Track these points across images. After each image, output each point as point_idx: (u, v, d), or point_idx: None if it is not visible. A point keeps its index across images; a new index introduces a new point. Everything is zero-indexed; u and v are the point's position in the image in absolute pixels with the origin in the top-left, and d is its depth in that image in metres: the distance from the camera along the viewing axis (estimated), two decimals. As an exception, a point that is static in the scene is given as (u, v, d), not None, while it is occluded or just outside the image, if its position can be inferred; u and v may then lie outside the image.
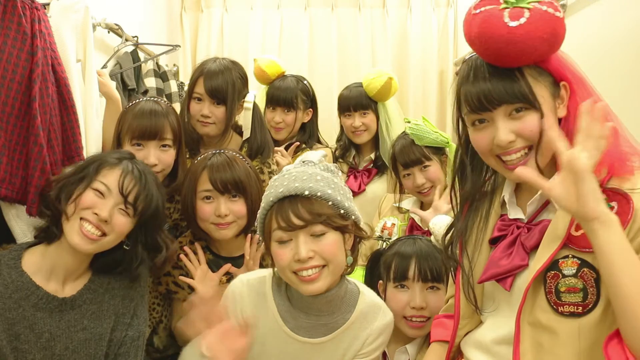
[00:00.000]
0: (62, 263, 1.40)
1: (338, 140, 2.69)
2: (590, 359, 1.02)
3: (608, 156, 1.04)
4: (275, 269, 1.35)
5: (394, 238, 2.10)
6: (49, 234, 1.40)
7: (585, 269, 1.03)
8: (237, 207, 1.65)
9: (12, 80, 1.46)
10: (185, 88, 2.65)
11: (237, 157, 1.71)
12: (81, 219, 1.36)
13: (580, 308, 1.03)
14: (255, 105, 2.11)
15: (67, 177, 1.41)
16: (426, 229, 2.02)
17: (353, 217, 1.31)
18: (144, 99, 1.84)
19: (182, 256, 1.68)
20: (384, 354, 1.64)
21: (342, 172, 2.53)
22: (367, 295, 1.41)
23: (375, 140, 2.55)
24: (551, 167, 1.11)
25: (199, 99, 1.98)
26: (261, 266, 1.68)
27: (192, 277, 1.67)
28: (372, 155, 2.55)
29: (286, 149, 2.38)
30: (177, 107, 2.56)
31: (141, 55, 2.92)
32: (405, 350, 1.64)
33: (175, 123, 1.77)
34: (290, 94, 2.43)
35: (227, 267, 1.69)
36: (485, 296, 1.22)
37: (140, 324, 1.49)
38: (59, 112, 1.57)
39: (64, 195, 1.37)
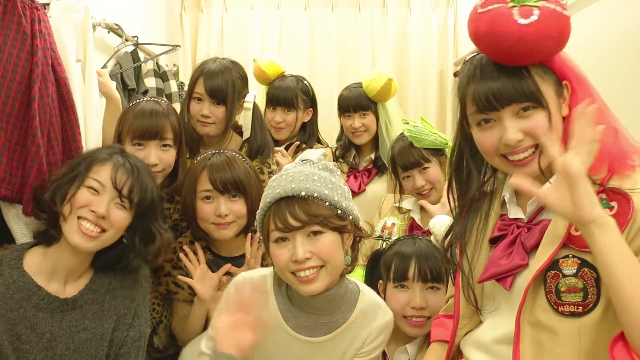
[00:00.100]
0: (63, 263, 1.40)
1: (338, 140, 2.69)
2: (591, 358, 1.02)
3: (608, 155, 1.04)
4: (275, 269, 1.35)
5: (394, 238, 2.10)
6: (48, 237, 1.40)
7: (585, 269, 1.03)
8: (237, 207, 1.65)
9: (12, 80, 1.46)
10: (185, 88, 2.65)
11: (236, 157, 1.71)
12: (79, 218, 1.36)
13: (581, 308, 1.03)
14: (255, 105, 2.11)
15: (59, 178, 1.41)
16: (426, 228, 2.02)
17: (351, 216, 1.31)
18: (145, 99, 1.84)
19: (181, 256, 1.68)
20: (384, 354, 1.64)
21: (342, 172, 2.53)
22: (367, 294, 1.41)
23: (376, 141, 2.54)
24: (545, 172, 1.11)
25: (199, 99, 1.98)
26: (262, 265, 1.68)
27: (191, 277, 1.67)
28: (372, 156, 2.55)
29: (286, 148, 2.38)
30: (177, 107, 2.56)
31: (141, 55, 2.92)
32: (405, 350, 1.64)
33: (175, 123, 1.77)
34: (291, 94, 2.43)
35: (227, 267, 1.69)
36: (485, 296, 1.22)
37: (141, 325, 1.49)
38: (59, 112, 1.57)
39: (59, 196, 1.37)
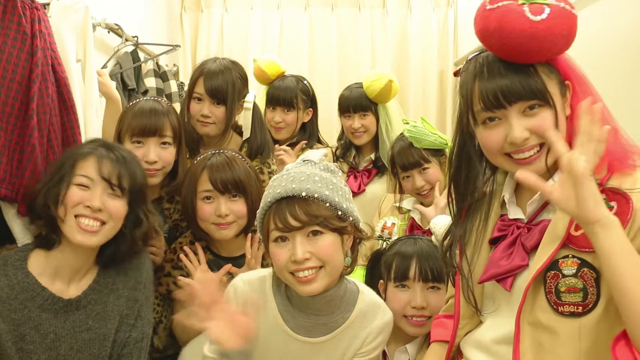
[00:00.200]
0: (67, 264, 1.40)
1: (339, 139, 2.69)
2: (591, 358, 1.02)
3: (608, 154, 1.04)
4: (275, 269, 1.35)
5: (394, 238, 2.10)
6: (49, 241, 1.40)
7: (585, 269, 1.03)
8: (237, 207, 1.65)
9: (12, 80, 1.46)
10: (185, 88, 2.65)
11: (236, 157, 1.71)
12: (76, 216, 1.35)
13: (581, 308, 1.02)
14: (255, 106, 2.11)
15: (46, 182, 1.40)
16: (427, 227, 2.02)
17: (351, 218, 1.31)
18: (144, 98, 1.84)
19: (181, 256, 1.68)
20: (384, 354, 1.65)
21: (343, 171, 2.53)
22: (367, 294, 1.41)
23: (376, 141, 2.54)
24: (551, 170, 1.11)
25: (199, 99, 1.98)
26: (262, 266, 1.68)
27: (192, 278, 1.67)
28: (372, 156, 2.56)
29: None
30: (177, 107, 2.56)
31: (141, 55, 2.92)
32: (405, 350, 1.64)
33: (175, 122, 1.77)
34: (290, 94, 2.43)
35: (228, 267, 1.69)
36: (485, 296, 1.22)
37: (144, 326, 1.49)
38: (59, 112, 1.57)
39: (51, 200, 1.37)
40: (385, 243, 2.09)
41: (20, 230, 1.50)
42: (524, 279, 1.09)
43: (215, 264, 1.72)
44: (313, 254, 1.25)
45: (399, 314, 1.60)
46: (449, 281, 1.41)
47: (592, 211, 0.96)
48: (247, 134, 2.10)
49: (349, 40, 3.92)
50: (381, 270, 1.71)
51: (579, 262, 1.03)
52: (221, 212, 1.63)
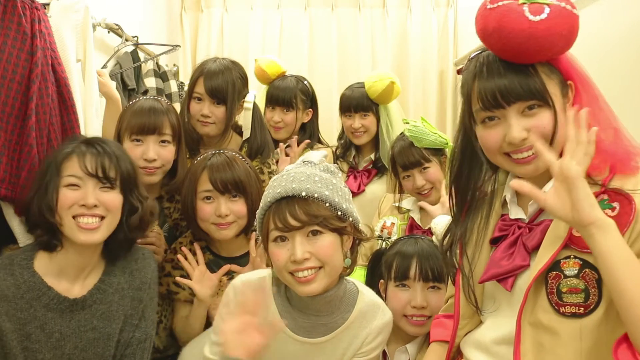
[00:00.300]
0: (71, 263, 1.40)
1: (339, 138, 2.69)
2: (592, 359, 1.02)
3: (611, 155, 1.04)
4: (274, 270, 1.35)
5: (393, 237, 2.10)
6: (50, 245, 1.39)
7: (587, 270, 1.02)
8: (237, 207, 1.65)
9: (12, 80, 1.45)
10: (185, 88, 2.65)
11: (237, 157, 1.71)
12: (74, 217, 1.35)
13: (582, 309, 1.02)
14: (255, 106, 2.11)
15: (36, 191, 1.39)
16: (427, 227, 2.02)
17: (351, 218, 1.31)
18: (144, 97, 1.84)
19: (179, 257, 1.68)
20: (384, 354, 1.65)
21: (342, 171, 2.53)
22: (366, 294, 1.41)
23: (376, 141, 2.54)
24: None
25: (199, 99, 1.98)
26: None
27: (190, 279, 1.67)
28: (372, 156, 2.56)
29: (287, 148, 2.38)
30: (177, 107, 2.56)
31: (141, 55, 2.92)
32: (405, 350, 1.64)
33: (174, 120, 1.77)
34: (290, 94, 2.43)
35: (227, 267, 1.69)
36: (486, 296, 1.22)
37: (147, 326, 1.49)
38: (59, 112, 1.57)
39: (45, 208, 1.36)
40: (384, 243, 2.09)
41: (20, 230, 1.50)
42: (525, 279, 1.09)
43: (215, 264, 1.72)
44: (313, 254, 1.25)
45: (399, 314, 1.60)
46: (449, 280, 1.41)
47: (587, 213, 0.96)
48: (247, 134, 2.10)
49: (349, 40, 3.92)
50: (382, 270, 1.71)
51: (581, 262, 1.03)
52: (221, 212, 1.63)
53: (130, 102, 1.82)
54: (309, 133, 2.51)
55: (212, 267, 1.70)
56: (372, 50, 3.91)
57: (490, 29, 1.07)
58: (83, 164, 1.37)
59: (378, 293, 1.62)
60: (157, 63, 3.07)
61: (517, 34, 1.04)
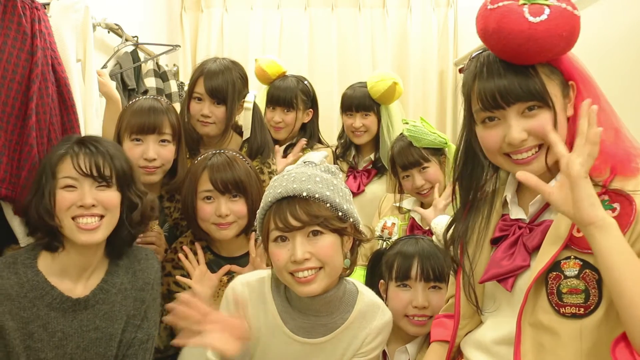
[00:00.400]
0: (74, 263, 1.40)
1: (339, 138, 2.69)
2: (592, 360, 1.02)
3: (611, 156, 1.04)
4: (274, 270, 1.35)
5: (394, 238, 2.11)
6: (52, 247, 1.39)
7: (587, 270, 1.02)
8: (237, 207, 1.65)
9: (12, 80, 1.45)
10: (186, 88, 2.64)
11: (237, 157, 1.71)
12: (73, 218, 1.35)
13: (582, 309, 1.02)
14: (255, 106, 2.11)
15: (33, 195, 1.39)
16: (427, 228, 2.02)
17: (352, 219, 1.31)
18: (144, 97, 1.84)
19: (180, 256, 1.68)
20: (384, 354, 1.65)
21: (342, 171, 2.53)
22: (366, 294, 1.41)
23: (376, 142, 2.55)
24: (557, 165, 1.11)
25: (199, 99, 1.98)
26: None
27: (191, 278, 1.67)
28: (372, 156, 2.56)
29: (288, 148, 2.38)
30: (177, 107, 2.56)
31: (141, 55, 2.92)
32: (405, 350, 1.64)
33: (174, 120, 1.77)
34: (290, 94, 2.43)
35: (227, 268, 1.69)
36: (486, 296, 1.22)
37: (150, 327, 1.49)
38: (59, 111, 1.57)
39: (44, 212, 1.36)
40: (385, 243, 2.09)
41: (21, 230, 1.50)
42: (525, 280, 1.09)
43: (215, 264, 1.72)
44: (313, 255, 1.25)
45: (400, 314, 1.60)
46: (449, 280, 1.41)
47: (587, 213, 0.96)
48: (247, 134, 2.10)
49: (349, 40, 3.92)
50: (382, 270, 1.71)
51: (581, 263, 1.03)
52: (221, 212, 1.63)
53: (130, 102, 1.82)
54: (309, 133, 2.51)
55: (213, 267, 1.70)
56: (372, 50, 3.91)
57: (490, 29, 1.07)
58: (77, 164, 1.37)
59: (378, 293, 1.62)
60: (157, 63, 3.07)
61: (517, 35, 1.04)
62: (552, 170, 1.10)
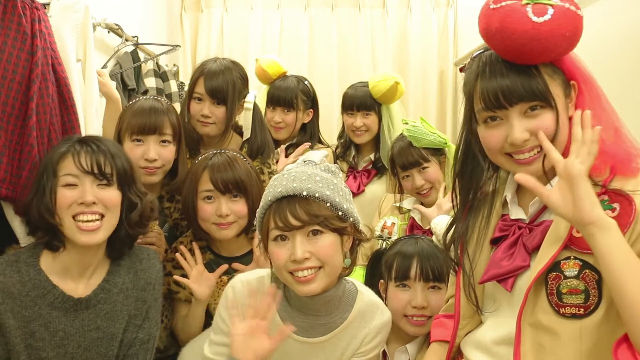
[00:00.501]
0: (75, 262, 1.41)
1: (339, 137, 2.69)
2: (592, 360, 1.02)
3: (611, 156, 1.04)
4: (273, 269, 1.35)
5: (394, 237, 2.11)
6: (52, 246, 1.39)
7: (587, 271, 1.02)
8: (238, 207, 1.65)
9: (12, 80, 1.45)
10: (186, 88, 2.64)
11: (238, 157, 1.71)
12: (74, 218, 1.35)
13: (582, 310, 1.02)
14: (255, 106, 2.11)
15: (34, 194, 1.39)
16: (427, 227, 2.02)
17: (352, 219, 1.31)
18: (144, 97, 1.84)
19: (178, 256, 1.68)
20: (384, 354, 1.65)
21: (342, 171, 2.53)
22: (365, 294, 1.41)
23: (376, 142, 2.55)
24: (548, 173, 1.11)
25: (199, 99, 1.98)
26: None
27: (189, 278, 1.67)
28: (372, 156, 2.56)
29: (287, 149, 2.38)
30: (177, 107, 2.56)
31: (141, 55, 2.92)
32: (405, 350, 1.64)
33: (175, 120, 1.78)
34: (291, 94, 2.43)
35: (225, 267, 1.68)
36: (486, 296, 1.22)
37: (151, 327, 1.49)
38: (59, 111, 1.57)
39: (44, 210, 1.36)
40: (385, 243, 2.10)
41: (21, 230, 1.50)
42: (525, 280, 1.09)
43: (216, 263, 1.72)
44: (313, 254, 1.25)
45: (399, 314, 1.60)
46: (449, 280, 1.41)
47: (588, 212, 0.96)
48: (247, 134, 2.10)
49: (349, 40, 3.92)
50: (381, 270, 1.71)
51: (581, 263, 1.03)
52: (222, 212, 1.63)
53: (131, 102, 1.82)
54: (310, 133, 2.51)
55: (213, 267, 1.70)
56: (372, 50, 3.90)
57: (493, 29, 1.07)
58: (78, 161, 1.37)
59: (378, 293, 1.63)
60: (157, 63, 3.07)
61: (520, 35, 1.03)
62: (548, 175, 1.10)
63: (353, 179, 2.52)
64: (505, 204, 1.22)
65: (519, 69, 1.08)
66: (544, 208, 1.15)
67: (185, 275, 1.67)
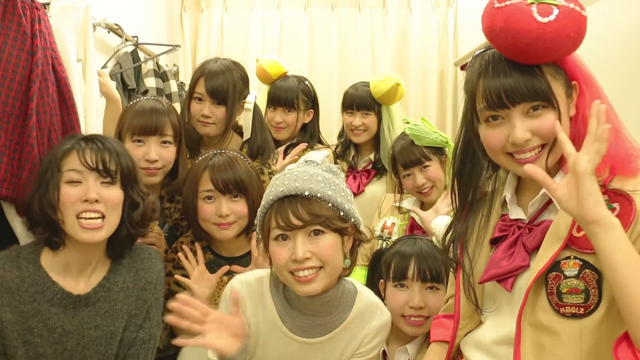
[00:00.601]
0: (74, 260, 1.41)
1: (339, 137, 2.70)
2: (592, 360, 1.02)
3: (611, 156, 1.03)
4: (273, 269, 1.35)
5: (394, 237, 2.11)
6: (52, 243, 1.40)
7: (587, 270, 1.02)
8: (238, 207, 1.65)
9: (12, 80, 1.46)
10: (186, 88, 2.64)
11: (238, 157, 1.71)
12: (77, 216, 1.35)
13: (582, 309, 1.02)
14: (255, 106, 2.12)
15: (37, 189, 1.39)
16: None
17: (353, 219, 1.31)
18: (145, 97, 1.84)
19: (180, 255, 1.68)
20: (384, 354, 1.65)
21: (342, 170, 2.53)
22: (365, 294, 1.41)
23: (375, 142, 2.55)
24: (556, 166, 1.11)
25: (200, 99, 1.98)
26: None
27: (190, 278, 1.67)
28: (372, 156, 2.56)
29: (287, 149, 2.38)
30: (177, 107, 2.56)
31: (141, 55, 2.92)
32: (405, 350, 1.64)
33: (175, 121, 1.78)
34: (291, 94, 2.44)
35: (226, 268, 1.69)
36: (486, 296, 1.22)
37: (152, 327, 1.49)
38: (59, 111, 1.57)
39: (46, 206, 1.36)
40: (385, 243, 2.10)
41: (22, 230, 1.50)
42: (525, 280, 1.09)
43: (216, 264, 1.72)
44: (314, 254, 1.25)
45: (397, 314, 1.60)
46: (449, 281, 1.41)
47: (591, 210, 0.96)
48: (247, 134, 2.10)
49: (349, 40, 3.92)
50: (381, 270, 1.72)
51: (581, 263, 1.03)
52: (222, 212, 1.63)
53: (131, 103, 1.82)
54: (310, 133, 2.52)
55: (213, 267, 1.71)
56: (372, 50, 3.90)
57: (497, 28, 1.06)
58: (83, 158, 1.37)
59: (378, 293, 1.63)
60: (157, 63, 3.07)
61: (525, 34, 1.03)
62: (551, 172, 1.10)
63: (353, 179, 2.52)
64: (504, 204, 1.22)
65: (522, 68, 1.07)
66: (544, 208, 1.15)
67: (186, 276, 1.67)
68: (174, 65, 3.63)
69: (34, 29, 1.50)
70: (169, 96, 3.02)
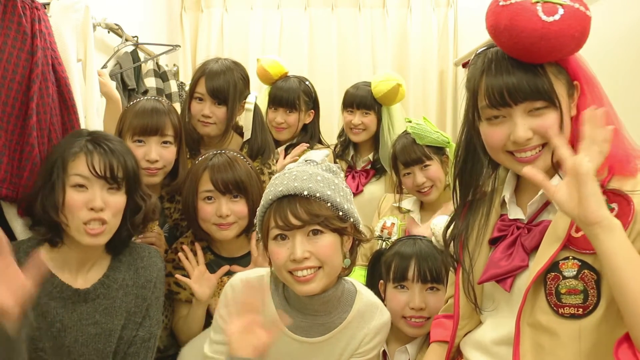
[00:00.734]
0: (73, 257, 1.41)
1: (339, 136, 2.70)
2: (591, 360, 1.02)
3: (609, 157, 1.03)
4: (273, 268, 1.35)
5: (393, 238, 2.11)
6: (52, 241, 1.40)
7: (585, 271, 1.02)
8: (238, 207, 1.65)
9: (12, 80, 1.45)
10: (186, 88, 2.64)
11: (238, 158, 1.71)
12: (84, 223, 1.35)
13: (581, 310, 1.02)
14: (256, 106, 2.12)
15: (40, 188, 1.38)
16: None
17: (352, 219, 1.31)
18: (145, 98, 1.84)
19: (180, 255, 1.68)
20: (384, 354, 1.65)
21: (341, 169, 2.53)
22: (365, 294, 1.41)
23: (374, 141, 2.55)
24: (555, 166, 1.11)
25: (200, 99, 1.98)
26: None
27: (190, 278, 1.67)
28: (371, 156, 2.56)
29: (287, 149, 2.38)
30: (177, 107, 2.56)
31: (141, 55, 2.92)
32: (405, 350, 1.64)
33: (176, 121, 1.78)
34: (293, 95, 2.44)
35: (226, 268, 1.69)
36: (485, 296, 1.22)
37: (152, 325, 1.49)
38: (59, 111, 1.57)
39: (50, 206, 1.36)
40: (384, 243, 2.10)
41: (22, 230, 1.50)
42: (524, 280, 1.09)
43: (216, 264, 1.72)
44: (313, 254, 1.25)
45: (397, 315, 1.60)
46: (448, 280, 1.41)
47: (593, 211, 0.95)
48: (247, 134, 2.10)
49: (349, 40, 3.92)
50: (381, 271, 1.71)
51: (580, 263, 1.03)
52: (222, 212, 1.63)
53: (131, 103, 1.82)
54: (310, 134, 2.52)
55: (213, 267, 1.71)
56: (372, 50, 3.90)
57: (501, 26, 1.06)
58: (91, 164, 1.36)
59: (378, 293, 1.62)
60: (157, 63, 3.07)
61: (530, 33, 1.03)
62: (550, 173, 1.09)
63: (352, 179, 2.52)
64: (503, 203, 1.22)
65: (525, 67, 1.07)
66: (543, 208, 1.15)
67: (186, 276, 1.67)
68: (174, 65, 3.63)
69: (34, 29, 1.50)
70: (169, 96, 3.02)
